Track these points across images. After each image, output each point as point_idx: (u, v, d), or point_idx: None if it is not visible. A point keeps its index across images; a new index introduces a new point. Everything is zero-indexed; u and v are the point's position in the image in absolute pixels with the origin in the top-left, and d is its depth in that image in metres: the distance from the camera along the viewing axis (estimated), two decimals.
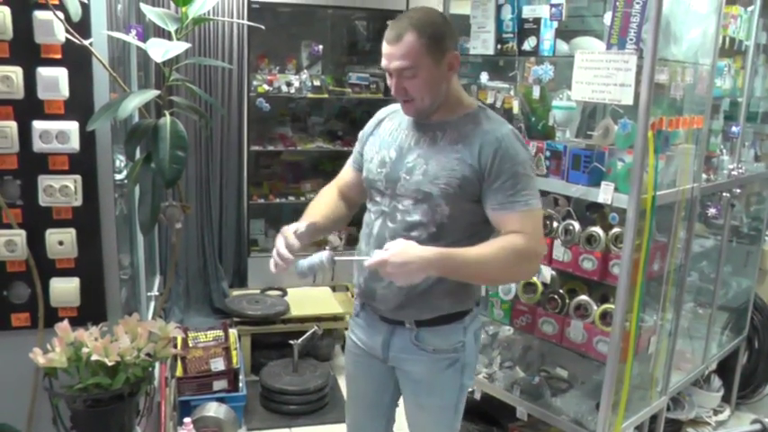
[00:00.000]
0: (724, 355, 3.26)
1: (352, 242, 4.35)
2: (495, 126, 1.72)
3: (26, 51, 1.66)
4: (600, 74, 2.17)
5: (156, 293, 2.81)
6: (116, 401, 1.55)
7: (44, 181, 1.73)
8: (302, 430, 3.23)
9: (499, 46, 2.63)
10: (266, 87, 4.32)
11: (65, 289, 1.78)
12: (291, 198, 4.56)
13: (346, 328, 2.74)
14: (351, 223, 2.07)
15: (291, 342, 3.44)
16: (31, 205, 1.74)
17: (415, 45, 1.62)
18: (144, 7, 1.75)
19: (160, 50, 1.56)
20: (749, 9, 2.79)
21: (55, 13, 1.62)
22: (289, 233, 1.69)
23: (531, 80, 2.52)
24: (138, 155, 1.76)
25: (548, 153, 2.43)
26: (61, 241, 1.76)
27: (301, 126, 4.85)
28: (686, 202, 2.52)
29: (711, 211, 2.97)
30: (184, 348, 3.09)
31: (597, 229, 2.36)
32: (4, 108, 1.68)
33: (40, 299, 1.76)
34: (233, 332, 3.43)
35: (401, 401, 1.99)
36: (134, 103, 1.59)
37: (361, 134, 1.96)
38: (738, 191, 2.96)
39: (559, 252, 2.44)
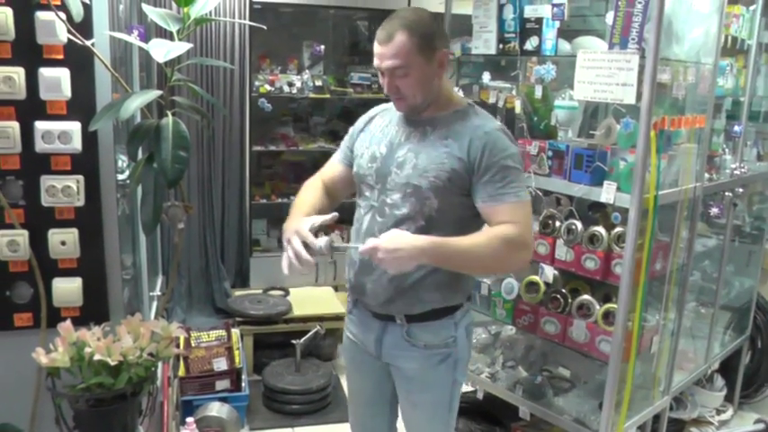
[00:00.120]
0: (726, 354, 3.26)
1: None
2: (484, 121, 1.76)
3: (28, 52, 1.66)
4: (602, 73, 2.17)
5: (159, 293, 2.81)
6: (119, 401, 1.55)
7: (46, 181, 1.73)
8: (305, 430, 3.23)
9: (501, 46, 2.63)
10: (268, 87, 4.32)
11: (67, 289, 1.78)
12: (293, 198, 4.47)
13: None
14: (348, 221, 2.08)
15: (294, 342, 3.44)
16: (34, 205, 1.74)
17: (406, 45, 1.66)
18: (146, 8, 1.75)
19: (162, 51, 1.56)
20: (751, 8, 2.79)
21: (57, 14, 1.62)
22: (307, 233, 1.68)
23: (534, 80, 2.52)
24: (140, 155, 1.76)
25: (550, 153, 2.43)
26: (64, 241, 1.76)
27: (303, 126, 4.85)
28: (688, 201, 2.52)
29: (714, 210, 2.97)
30: (187, 348, 3.09)
31: (600, 229, 2.35)
32: (7, 108, 1.68)
33: (43, 299, 1.76)
34: (235, 332, 3.43)
35: None
36: (136, 103, 1.59)
37: (351, 130, 1.99)
38: (741, 190, 2.95)
39: (562, 251, 2.44)
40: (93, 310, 1.80)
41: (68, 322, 1.59)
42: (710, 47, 2.48)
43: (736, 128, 2.97)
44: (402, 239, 1.60)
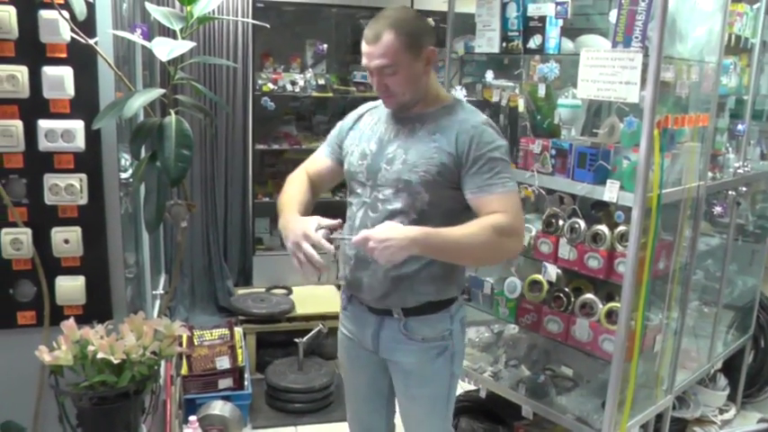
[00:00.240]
0: (730, 353, 3.25)
1: None
2: (471, 116, 1.80)
3: (31, 50, 1.67)
4: (605, 72, 2.16)
5: (162, 292, 2.81)
6: (122, 399, 1.55)
7: (50, 180, 1.73)
8: (307, 428, 3.23)
9: (504, 44, 2.63)
10: (271, 86, 4.32)
11: (70, 287, 1.79)
12: None
13: None
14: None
15: (297, 340, 3.44)
16: (37, 204, 1.74)
17: (393, 43, 1.69)
18: (149, 6, 1.75)
19: (165, 49, 1.56)
20: (755, 6, 2.78)
21: (60, 13, 1.62)
22: (319, 238, 1.68)
23: (537, 78, 2.51)
24: (143, 153, 1.76)
25: (553, 151, 2.43)
26: (67, 240, 1.76)
27: (306, 125, 4.85)
28: (692, 200, 2.51)
29: (717, 209, 2.96)
30: (190, 347, 3.10)
31: (603, 228, 2.35)
32: (10, 107, 1.68)
33: (46, 297, 1.77)
34: (238, 330, 3.43)
35: None
36: (139, 101, 1.59)
37: (340, 124, 2.00)
38: (744, 189, 2.95)
39: (565, 250, 2.43)
40: (97, 309, 1.81)
41: (71, 320, 1.60)
42: (714, 45, 2.47)
43: (740, 126, 2.96)
44: (393, 230, 1.62)
